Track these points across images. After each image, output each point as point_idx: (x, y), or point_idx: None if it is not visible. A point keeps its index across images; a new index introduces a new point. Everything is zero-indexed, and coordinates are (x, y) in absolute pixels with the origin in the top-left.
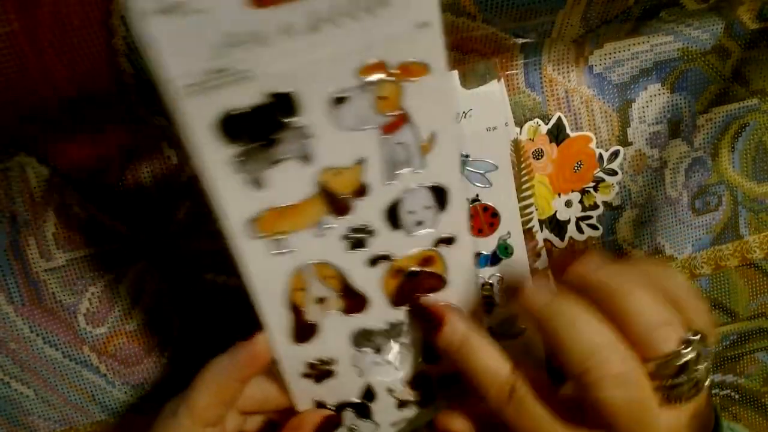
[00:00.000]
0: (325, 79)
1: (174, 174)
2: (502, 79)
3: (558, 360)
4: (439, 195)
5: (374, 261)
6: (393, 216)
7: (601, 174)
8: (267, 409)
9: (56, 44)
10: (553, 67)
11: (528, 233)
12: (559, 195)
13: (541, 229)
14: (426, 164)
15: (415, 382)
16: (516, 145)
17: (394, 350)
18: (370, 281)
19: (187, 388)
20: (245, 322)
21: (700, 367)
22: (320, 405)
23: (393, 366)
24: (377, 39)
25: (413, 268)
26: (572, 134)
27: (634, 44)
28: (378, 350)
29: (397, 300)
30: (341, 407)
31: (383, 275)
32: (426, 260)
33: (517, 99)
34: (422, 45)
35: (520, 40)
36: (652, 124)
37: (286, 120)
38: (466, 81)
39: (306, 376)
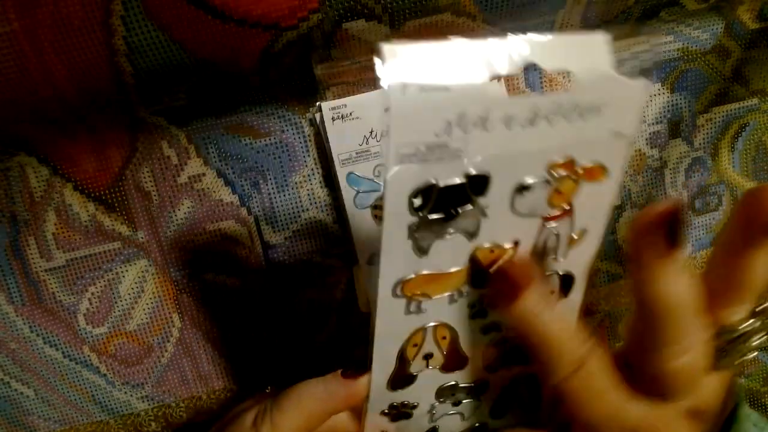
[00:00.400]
0: (521, 168)
1: (174, 174)
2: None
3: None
4: (566, 282)
5: (486, 330)
6: None
7: None
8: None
9: (56, 44)
10: None
11: None
12: None
13: None
14: (567, 255)
15: (475, 429)
16: None
17: (469, 405)
18: (476, 347)
19: (272, 403)
20: (245, 321)
21: (754, 341)
22: None
23: (461, 416)
24: (578, 140)
25: (516, 341)
26: None
27: (634, 44)
28: (456, 404)
29: (490, 367)
30: None
31: (488, 343)
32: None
33: None
34: (611, 152)
35: None
36: (652, 123)
37: (472, 198)
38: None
39: (385, 414)
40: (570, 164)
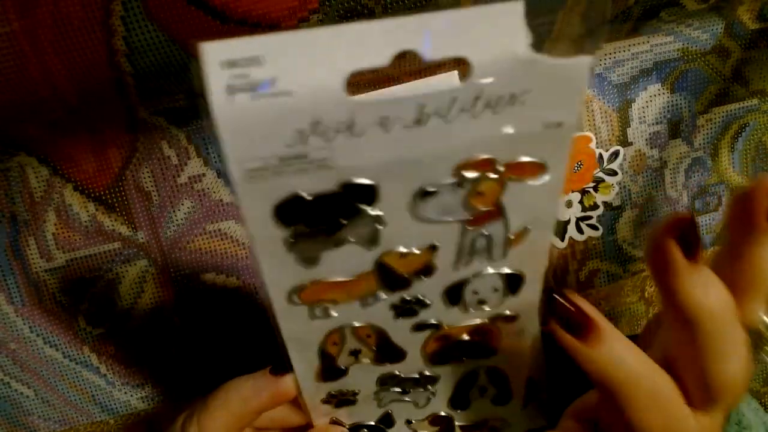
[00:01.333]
0: (417, 173)
1: (174, 174)
2: None
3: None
4: (513, 281)
5: (419, 327)
6: (454, 294)
7: (601, 174)
8: (281, 426)
9: (56, 44)
10: None
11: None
12: None
13: None
14: (508, 255)
15: (436, 420)
16: None
17: (419, 394)
18: (412, 343)
19: (200, 404)
20: (245, 321)
21: None
22: (336, 422)
23: (414, 404)
24: (493, 137)
25: (463, 337)
26: None
27: (634, 44)
28: (403, 392)
29: (434, 360)
30: (357, 428)
31: (426, 338)
32: (478, 331)
33: None
34: (547, 145)
35: None
36: (652, 124)
37: (359, 208)
38: None
39: (326, 402)
40: (486, 163)
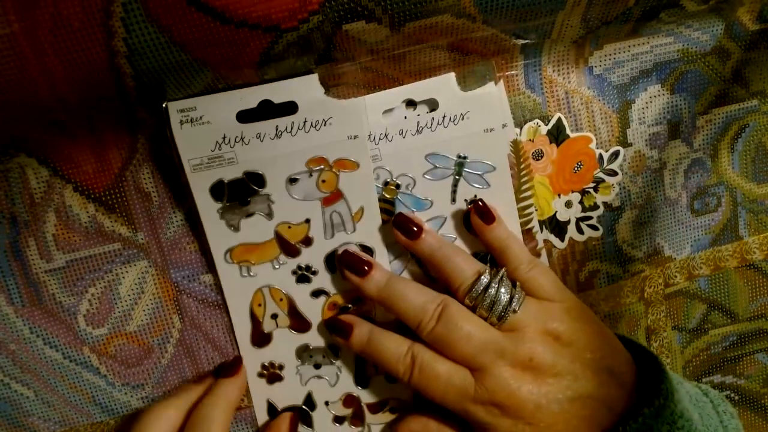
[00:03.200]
0: (283, 166)
1: (174, 174)
2: (501, 81)
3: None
4: (367, 252)
5: (316, 294)
6: (331, 262)
7: (601, 175)
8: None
9: (56, 46)
10: (553, 68)
11: (528, 234)
12: (559, 195)
13: (541, 230)
14: (356, 229)
15: (348, 401)
16: (516, 146)
17: (330, 370)
18: (313, 309)
19: None
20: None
21: (493, 289)
22: (272, 405)
23: (328, 382)
24: (320, 144)
25: (346, 305)
26: (572, 135)
27: (634, 45)
28: (317, 366)
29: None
30: (288, 410)
31: (323, 306)
32: (356, 300)
33: (517, 100)
34: (353, 150)
35: (520, 42)
36: (652, 125)
37: (256, 189)
38: (465, 82)
39: (260, 375)
40: (321, 160)
